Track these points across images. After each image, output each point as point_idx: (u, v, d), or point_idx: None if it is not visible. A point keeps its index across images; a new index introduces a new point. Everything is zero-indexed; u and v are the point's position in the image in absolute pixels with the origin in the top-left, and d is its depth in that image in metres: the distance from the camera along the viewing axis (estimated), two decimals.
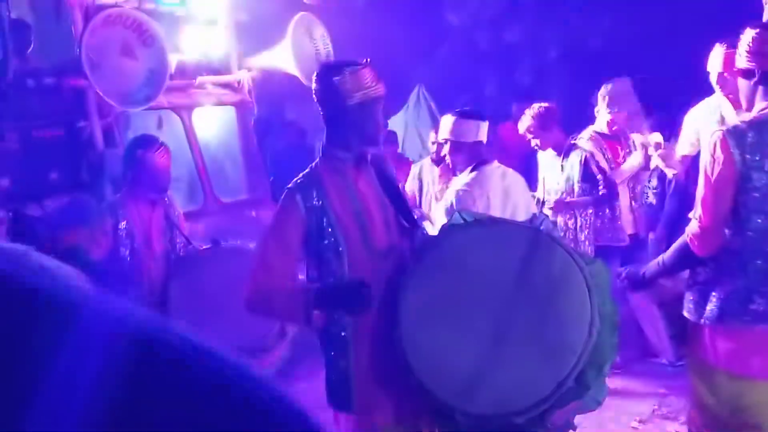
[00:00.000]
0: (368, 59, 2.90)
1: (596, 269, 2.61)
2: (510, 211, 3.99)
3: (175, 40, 6.10)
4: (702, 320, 3.00)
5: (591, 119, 6.30)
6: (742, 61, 2.99)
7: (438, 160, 7.19)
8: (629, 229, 5.90)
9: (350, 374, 2.83)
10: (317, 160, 2.95)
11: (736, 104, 4.35)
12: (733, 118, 4.28)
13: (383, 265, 2.79)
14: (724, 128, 2.97)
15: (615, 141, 6.05)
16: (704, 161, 2.97)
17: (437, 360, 2.55)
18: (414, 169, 7.45)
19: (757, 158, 2.84)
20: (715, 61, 4.24)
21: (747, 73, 2.97)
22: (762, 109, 2.93)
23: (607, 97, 5.99)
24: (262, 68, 6.94)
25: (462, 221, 2.72)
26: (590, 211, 5.55)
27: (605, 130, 5.99)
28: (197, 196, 6.21)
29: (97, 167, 5.22)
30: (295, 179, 2.90)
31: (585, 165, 5.50)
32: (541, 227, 2.69)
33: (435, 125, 7.97)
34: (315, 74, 2.92)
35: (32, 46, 6.46)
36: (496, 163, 4.11)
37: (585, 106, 6.83)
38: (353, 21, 11.53)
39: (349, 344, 2.83)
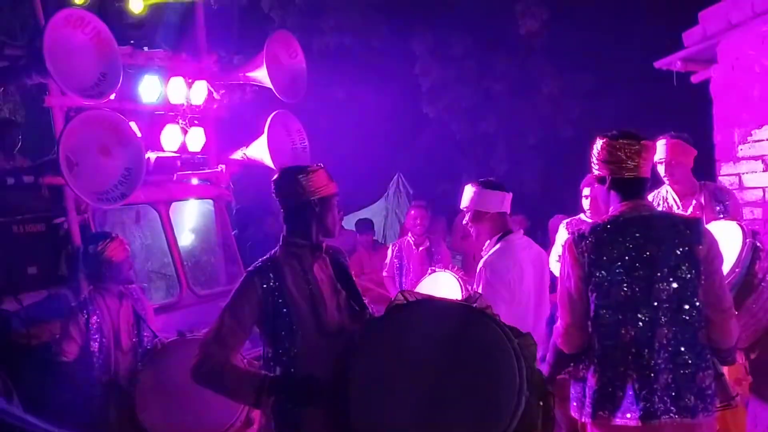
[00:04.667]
0: (321, 164, 3.20)
1: (525, 341, 2.77)
2: (537, 279, 4.06)
3: (154, 137, 6.30)
4: (582, 417, 3.11)
5: (563, 204, 6.43)
6: (595, 168, 3.19)
7: (418, 243, 7.39)
8: None
9: None
10: (277, 247, 3.17)
11: (681, 194, 4.55)
12: (678, 208, 4.48)
13: (334, 344, 2.96)
14: (571, 234, 3.17)
15: None
16: (561, 265, 3.18)
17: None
18: (391, 249, 7.58)
19: (595, 257, 3.03)
20: (660, 151, 4.42)
21: (600, 180, 3.18)
22: (612, 212, 3.13)
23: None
24: (240, 162, 7.15)
25: (404, 301, 2.92)
26: None
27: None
28: (174, 289, 6.28)
29: (75, 263, 5.31)
30: (255, 263, 3.13)
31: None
32: (475, 305, 2.86)
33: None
34: (277, 175, 3.18)
35: (20, 144, 6.67)
36: (521, 233, 4.17)
37: (558, 191, 7.04)
38: (334, 114, 11.90)
39: (302, 424, 2.98)
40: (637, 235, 3.02)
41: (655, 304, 2.96)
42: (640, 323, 2.96)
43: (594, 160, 3.18)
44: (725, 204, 4.51)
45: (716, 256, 3.05)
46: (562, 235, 5.49)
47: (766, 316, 3.59)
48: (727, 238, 3.51)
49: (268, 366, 3.10)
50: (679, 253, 2.97)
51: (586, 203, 5.55)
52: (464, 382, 2.68)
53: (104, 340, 4.23)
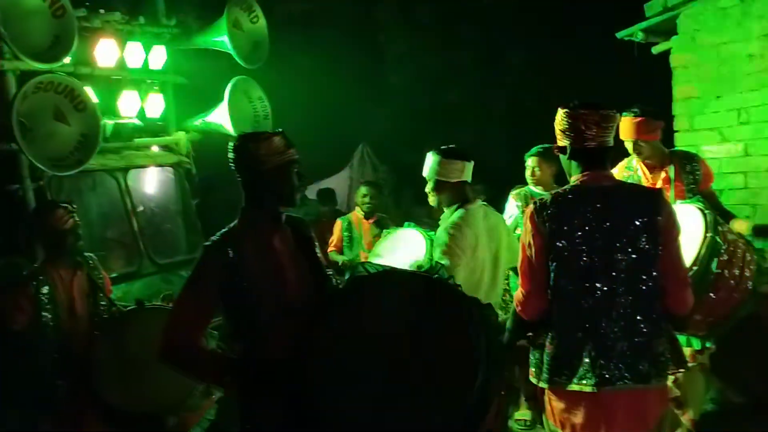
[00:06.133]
0: (281, 129, 3.06)
1: (487, 313, 2.77)
2: (494, 249, 4.03)
3: (112, 103, 6.17)
4: (539, 383, 3.16)
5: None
6: (558, 139, 3.20)
7: (369, 215, 7.36)
8: None
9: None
10: (236, 220, 3.04)
11: (650, 167, 4.56)
12: (647, 181, 4.50)
13: (296, 317, 2.85)
14: (533, 203, 3.17)
15: None
16: (523, 233, 3.19)
17: (342, 406, 2.63)
18: (340, 224, 7.52)
19: (556, 227, 3.04)
20: (627, 130, 4.41)
21: (562, 150, 3.19)
22: (574, 181, 3.15)
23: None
24: (201, 129, 7.05)
25: (365, 272, 2.86)
26: None
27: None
28: (133, 258, 6.21)
29: (30, 231, 5.21)
30: (212, 237, 2.98)
31: None
32: (436, 275, 2.82)
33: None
34: (231, 144, 3.03)
35: None
36: (479, 202, 4.11)
37: (524, 161, 7.04)
38: (297, 82, 11.75)
39: (266, 401, 2.88)
40: (598, 205, 3.03)
41: (614, 274, 2.98)
42: (598, 293, 2.99)
43: (557, 129, 3.18)
44: (695, 174, 4.50)
45: (674, 226, 3.08)
46: (510, 205, 5.57)
47: (724, 310, 3.64)
48: (689, 228, 3.50)
49: (228, 342, 3.04)
50: (638, 224, 2.99)
51: (528, 174, 5.59)
52: (425, 356, 2.63)
53: (57, 310, 4.15)
